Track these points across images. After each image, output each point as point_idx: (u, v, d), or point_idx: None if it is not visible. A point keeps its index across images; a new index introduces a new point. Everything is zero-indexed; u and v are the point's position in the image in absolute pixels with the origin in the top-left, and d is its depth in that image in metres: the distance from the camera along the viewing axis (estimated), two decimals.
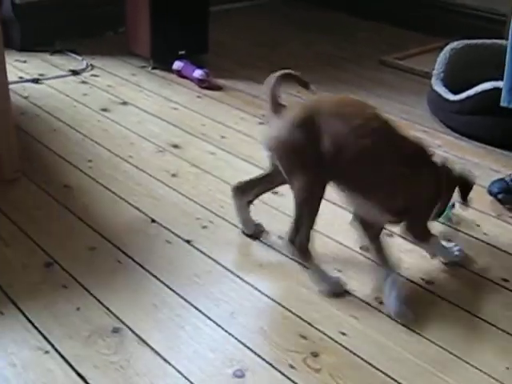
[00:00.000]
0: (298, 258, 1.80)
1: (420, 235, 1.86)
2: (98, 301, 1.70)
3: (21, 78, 3.22)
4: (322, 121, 1.71)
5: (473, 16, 4.01)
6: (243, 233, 2.02)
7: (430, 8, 4.23)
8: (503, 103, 2.35)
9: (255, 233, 2.02)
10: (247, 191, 1.98)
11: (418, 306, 1.74)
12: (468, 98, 2.73)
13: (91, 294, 1.72)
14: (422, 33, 4.16)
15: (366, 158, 1.70)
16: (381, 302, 1.74)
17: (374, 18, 4.45)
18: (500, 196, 2.26)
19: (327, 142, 1.69)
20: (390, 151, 1.73)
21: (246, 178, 2.20)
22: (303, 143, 1.71)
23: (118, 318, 1.65)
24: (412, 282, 1.84)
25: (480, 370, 1.54)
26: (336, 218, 2.12)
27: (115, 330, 1.60)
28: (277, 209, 2.17)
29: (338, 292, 1.78)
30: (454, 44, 3.09)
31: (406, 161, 1.74)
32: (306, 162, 1.72)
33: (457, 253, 1.96)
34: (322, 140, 1.69)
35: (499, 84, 2.56)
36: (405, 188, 1.75)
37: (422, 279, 1.86)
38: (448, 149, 2.68)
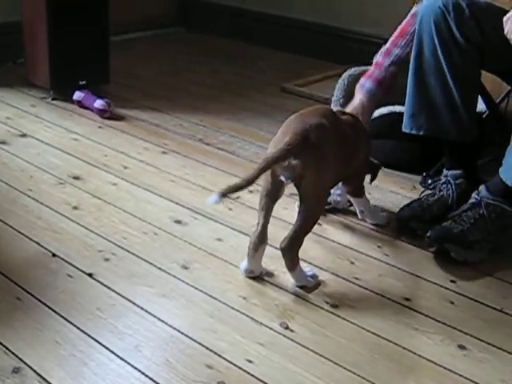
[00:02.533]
0: (290, 265, 1.91)
1: (358, 191, 2.26)
2: None
3: None
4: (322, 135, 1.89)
5: (369, 42, 4.12)
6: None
7: (330, 36, 4.33)
8: (405, 129, 2.41)
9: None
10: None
11: (322, 329, 1.76)
12: None
13: None
14: (321, 60, 4.25)
15: (345, 144, 2.02)
16: (286, 327, 1.75)
17: (275, 46, 4.52)
18: (412, 224, 2.28)
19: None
20: (347, 128, 2.07)
21: (148, 208, 2.20)
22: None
23: (17, 357, 1.59)
24: (317, 305, 1.86)
25: None
26: (239, 245, 2.12)
27: (15, 370, 1.55)
28: (180, 238, 2.16)
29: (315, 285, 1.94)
30: (352, 70, 3.16)
31: (351, 130, 2.08)
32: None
33: (384, 214, 2.33)
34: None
35: (395, 108, 2.65)
36: (354, 153, 2.11)
37: (327, 303, 1.87)
38: None
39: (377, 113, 2.75)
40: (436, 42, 2.24)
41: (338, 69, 3.78)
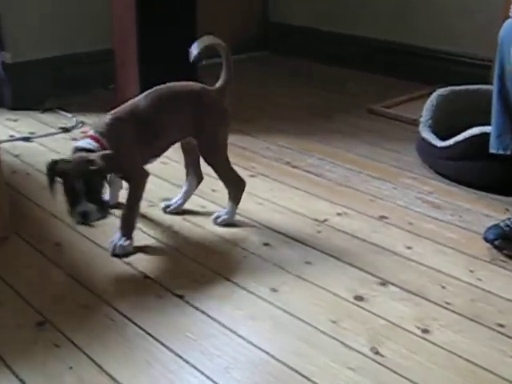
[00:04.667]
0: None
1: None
2: (91, 359, 1.68)
3: (11, 136, 3.23)
4: None
5: (457, 62, 4.06)
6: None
7: (416, 56, 4.29)
8: (492, 150, 2.37)
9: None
10: None
11: (413, 354, 1.73)
12: (456, 143, 2.74)
13: (84, 353, 1.70)
14: (408, 81, 4.21)
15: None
16: (376, 352, 1.73)
17: (361, 67, 4.51)
18: (497, 242, 2.25)
19: None
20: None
21: (235, 230, 2.22)
22: None
23: (110, 376, 1.62)
24: (407, 330, 1.83)
25: None
26: (329, 269, 2.12)
27: None
28: (269, 261, 2.16)
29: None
30: (441, 91, 3.12)
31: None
32: None
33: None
34: None
35: (486, 129, 2.59)
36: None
37: (417, 327, 1.84)
38: (438, 195, 2.69)
39: (467, 133, 2.70)
40: None
41: (425, 89, 3.77)
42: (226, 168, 2.37)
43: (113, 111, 2.21)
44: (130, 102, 2.27)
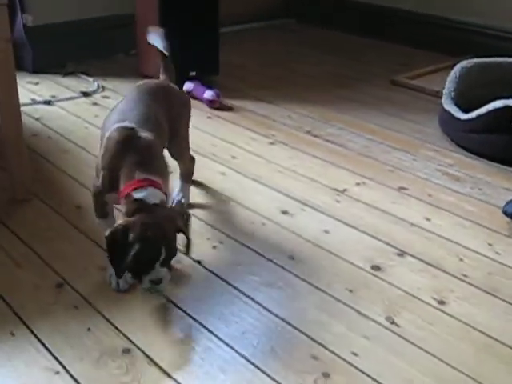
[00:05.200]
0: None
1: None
2: (109, 321, 1.70)
3: (33, 100, 3.24)
4: None
5: (483, 34, 4.01)
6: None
7: (440, 27, 4.24)
8: None
9: None
10: None
11: (429, 325, 1.73)
12: (479, 116, 2.72)
13: (102, 315, 1.72)
14: (432, 52, 4.16)
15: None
16: (392, 322, 1.73)
17: (384, 37, 4.46)
18: None
19: None
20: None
21: (256, 198, 2.22)
22: None
23: (128, 338, 1.64)
24: (424, 301, 1.83)
25: None
26: (346, 238, 2.12)
27: (126, 351, 1.60)
28: (287, 228, 2.16)
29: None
30: (465, 63, 3.09)
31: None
32: None
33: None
34: None
35: (510, 102, 2.56)
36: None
37: (434, 299, 1.84)
38: (459, 168, 2.67)
39: (490, 106, 2.67)
40: None
41: (449, 61, 3.72)
42: (189, 155, 2.30)
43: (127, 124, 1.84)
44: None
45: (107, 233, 1.61)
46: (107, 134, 1.82)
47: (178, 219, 1.70)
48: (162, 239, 1.62)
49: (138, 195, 1.67)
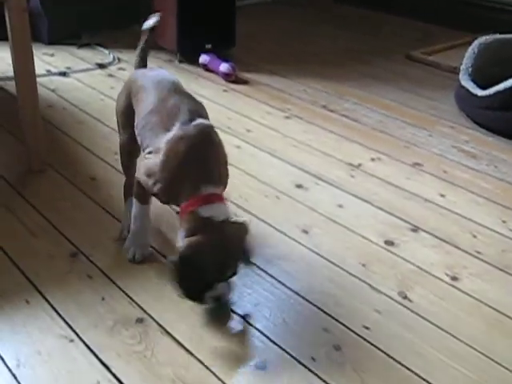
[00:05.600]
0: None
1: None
2: (123, 291, 1.72)
3: (48, 71, 3.25)
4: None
5: (502, 11, 3.97)
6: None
7: (458, 2, 4.20)
8: None
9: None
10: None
11: (441, 300, 1.73)
12: (497, 93, 2.70)
13: (116, 285, 1.74)
14: (449, 27, 4.13)
15: None
16: (405, 297, 1.74)
17: (401, 13, 4.42)
18: None
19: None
20: None
21: (271, 171, 2.22)
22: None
23: (141, 308, 1.66)
24: (436, 277, 1.83)
25: (502, 366, 1.53)
26: (360, 213, 2.12)
27: (139, 321, 1.61)
28: (301, 202, 2.17)
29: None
30: (483, 39, 3.06)
31: None
32: None
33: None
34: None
35: None
36: None
37: (447, 274, 1.84)
38: (475, 144, 2.66)
39: (508, 83, 2.65)
40: None
41: (466, 37, 3.69)
42: None
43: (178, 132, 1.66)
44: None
45: (173, 258, 1.53)
46: (175, 135, 1.63)
47: (245, 237, 1.62)
48: (232, 260, 1.57)
49: (205, 213, 1.55)
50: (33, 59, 2.17)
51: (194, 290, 1.57)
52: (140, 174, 1.71)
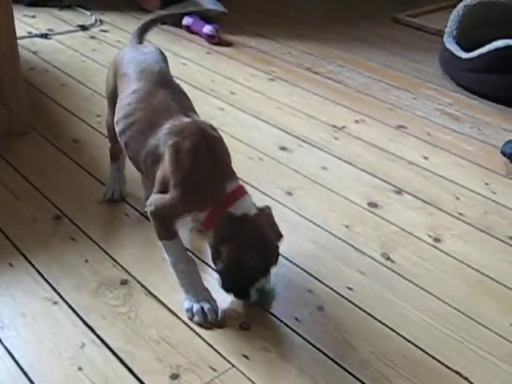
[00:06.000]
0: None
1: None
2: (107, 253, 1.72)
3: (29, 33, 3.20)
4: None
5: None
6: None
7: None
8: None
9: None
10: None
11: (424, 262, 1.75)
12: (480, 55, 2.70)
13: (99, 247, 1.74)
14: None
15: None
16: (387, 258, 1.75)
17: None
18: None
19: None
20: None
21: (255, 134, 2.21)
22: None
23: (125, 270, 1.66)
24: (419, 238, 1.84)
25: (484, 326, 1.55)
26: (344, 175, 2.12)
27: (123, 282, 1.62)
28: (285, 164, 2.16)
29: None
30: (468, 1, 3.04)
31: None
32: None
33: None
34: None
35: (511, 42, 2.54)
36: None
37: (429, 236, 1.86)
38: (458, 107, 2.66)
39: (492, 46, 2.65)
40: None
41: (452, 0, 3.66)
42: None
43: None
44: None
45: (220, 266, 1.48)
46: (172, 141, 1.51)
47: (275, 223, 1.57)
48: (273, 251, 1.53)
49: (238, 211, 1.49)
50: (13, 21, 2.14)
51: (245, 291, 1.51)
52: (154, 207, 1.53)
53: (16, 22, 2.17)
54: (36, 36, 3.17)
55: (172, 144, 1.51)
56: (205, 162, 1.50)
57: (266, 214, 1.55)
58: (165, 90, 1.64)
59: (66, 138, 2.26)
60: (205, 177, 1.49)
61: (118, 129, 1.68)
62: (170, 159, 1.50)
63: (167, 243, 1.54)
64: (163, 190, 1.52)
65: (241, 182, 1.55)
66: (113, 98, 1.77)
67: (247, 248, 1.46)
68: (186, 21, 3.32)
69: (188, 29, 3.33)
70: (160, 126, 1.55)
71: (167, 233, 1.53)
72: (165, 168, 1.51)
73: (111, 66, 1.82)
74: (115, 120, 1.69)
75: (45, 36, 3.18)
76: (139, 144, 1.59)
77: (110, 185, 1.94)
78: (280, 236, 1.57)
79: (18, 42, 2.23)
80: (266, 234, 1.50)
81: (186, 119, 1.56)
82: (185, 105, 1.64)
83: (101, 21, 3.42)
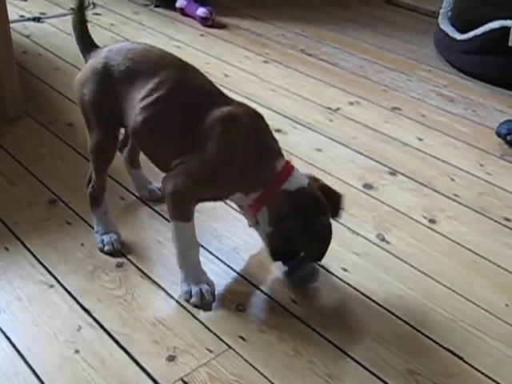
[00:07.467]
0: None
1: None
2: None
3: (22, 16, 3.19)
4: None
5: None
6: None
7: None
8: (511, 43, 2.32)
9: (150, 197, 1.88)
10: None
11: (418, 242, 1.75)
12: (475, 37, 2.69)
13: None
14: None
15: None
16: (382, 239, 1.76)
17: None
18: (509, 137, 2.24)
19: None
20: None
21: None
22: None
23: (121, 253, 1.66)
24: (414, 219, 1.85)
25: (478, 306, 1.56)
26: (339, 157, 2.12)
27: (119, 265, 1.62)
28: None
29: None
30: None
31: None
32: None
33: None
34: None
35: (507, 23, 2.53)
36: None
37: (424, 217, 1.86)
38: (453, 88, 2.66)
39: (487, 27, 2.64)
40: None
41: None
42: None
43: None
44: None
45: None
46: (220, 121, 1.47)
47: (328, 186, 1.58)
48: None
49: (295, 186, 1.48)
50: (5, 5, 2.13)
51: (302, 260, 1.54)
52: (183, 186, 1.47)
53: (8, 5, 2.16)
54: (29, 19, 3.15)
55: (217, 133, 1.46)
56: (257, 144, 1.49)
57: (317, 183, 1.55)
58: (192, 75, 1.57)
59: (61, 122, 2.25)
60: (257, 158, 1.47)
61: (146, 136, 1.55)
62: (222, 142, 1.45)
63: (182, 225, 1.51)
64: (199, 172, 1.47)
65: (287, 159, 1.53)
66: (103, 107, 1.58)
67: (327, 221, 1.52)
68: (180, 3, 3.30)
69: (182, 11, 3.31)
70: (206, 110, 1.49)
71: (186, 214, 1.51)
72: (212, 149, 1.45)
73: (93, 72, 1.61)
74: (134, 126, 1.52)
75: (37, 19, 3.16)
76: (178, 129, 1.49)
77: (102, 234, 1.68)
78: (339, 197, 1.60)
79: (11, 25, 2.22)
80: (322, 206, 1.50)
81: (232, 103, 1.55)
82: (217, 88, 1.60)
83: (94, 4, 3.40)
